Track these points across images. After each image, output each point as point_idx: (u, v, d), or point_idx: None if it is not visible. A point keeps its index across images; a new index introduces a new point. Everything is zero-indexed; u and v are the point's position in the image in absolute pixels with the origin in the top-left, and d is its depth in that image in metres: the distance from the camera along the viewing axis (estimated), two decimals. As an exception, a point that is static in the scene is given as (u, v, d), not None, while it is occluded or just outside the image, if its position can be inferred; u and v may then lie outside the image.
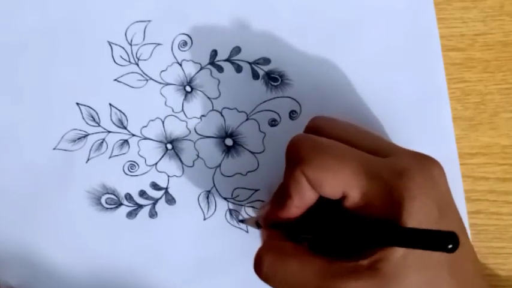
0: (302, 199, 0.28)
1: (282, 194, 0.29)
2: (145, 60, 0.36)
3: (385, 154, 0.28)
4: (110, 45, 0.36)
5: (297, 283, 0.27)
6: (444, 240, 0.23)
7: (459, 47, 0.36)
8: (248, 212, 0.36)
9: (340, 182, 0.27)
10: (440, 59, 0.36)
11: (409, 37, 0.36)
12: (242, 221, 0.36)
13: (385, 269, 0.25)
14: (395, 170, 0.27)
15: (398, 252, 0.25)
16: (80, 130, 0.36)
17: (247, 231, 0.36)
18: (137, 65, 0.36)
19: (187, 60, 0.36)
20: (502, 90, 0.36)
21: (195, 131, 0.36)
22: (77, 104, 0.36)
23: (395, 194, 0.26)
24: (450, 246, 0.23)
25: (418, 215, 0.25)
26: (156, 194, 0.36)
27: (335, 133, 0.30)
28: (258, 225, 0.33)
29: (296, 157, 0.28)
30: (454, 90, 0.36)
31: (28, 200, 0.36)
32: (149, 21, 0.36)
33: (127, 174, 0.36)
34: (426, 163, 0.28)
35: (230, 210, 0.36)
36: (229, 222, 0.36)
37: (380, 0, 0.36)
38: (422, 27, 0.36)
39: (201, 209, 0.36)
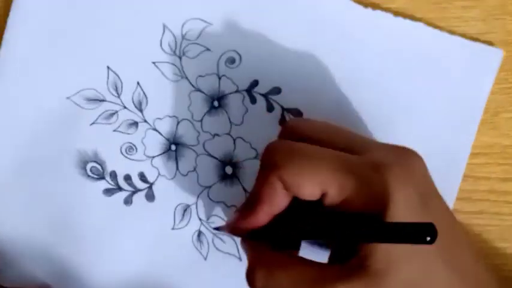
0: (272, 205, 0.28)
1: (251, 201, 0.29)
2: (189, 58, 0.36)
3: (362, 151, 0.28)
4: (164, 28, 0.35)
5: None
6: (421, 232, 0.23)
7: None
8: (216, 243, 0.36)
9: (318, 181, 0.27)
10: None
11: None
12: (217, 229, 0.35)
13: (373, 265, 0.25)
14: (373, 164, 0.27)
15: (382, 247, 0.25)
16: (99, 93, 0.36)
17: (205, 258, 0.36)
18: (180, 59, 0.36)
19: (227, 78, 0.36)
20: (503, 90, 0.36)
21: (203, 146, 0.36)
22: (108, 67, 0.36)
23: (375, 188, 0.26)
24: (428, 238, 0.23)
25: (400, 208, 0.25)
26: (140, 184, 0.36)
27: (309, 134, 0.30)
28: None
29: (272, 162, 0.28)
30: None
31: (27, 139, 0.36)
32: (211, 24, 0.35)
33: (122, 154, 0.36)
34: (404, 155, 0.28)
35: (199, 233, 0.36)
36: (192, 242, 0.36)
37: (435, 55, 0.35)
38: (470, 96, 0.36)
39: (174, 218, 0.36)
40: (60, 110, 0.35)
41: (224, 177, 0.36)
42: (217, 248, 0.36)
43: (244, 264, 0.35)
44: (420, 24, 0.35)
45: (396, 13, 0.36)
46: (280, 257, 0.28)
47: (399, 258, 0.25)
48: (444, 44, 0.35)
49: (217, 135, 0.36)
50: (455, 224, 0.28)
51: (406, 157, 0.28)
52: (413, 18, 0.36)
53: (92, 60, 0.36)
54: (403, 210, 0.25)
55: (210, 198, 0.36)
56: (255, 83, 0.36)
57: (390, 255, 0.25)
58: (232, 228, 0.31)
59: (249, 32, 0.35)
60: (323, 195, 0.27)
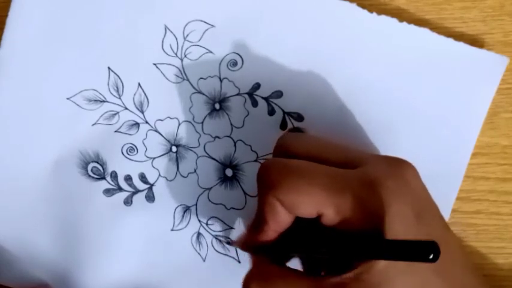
0: (278, 223, 0.28)
1: (258, 219, 0.29)
2: (190, 60, 0.35)
3: (355, 164, 0.28)
4: (166, 29, 0.35)
5: None
6: (424, 250, 0.23)
7: None
8: (215, 245, 0.36)
9: (313, 202, 0.27)
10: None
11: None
12: (230, 243, 0.36)
13: (370, 279, 0.25)
14: (366, 180, 0.27)
15: (381, 264, 0.25)
16: (100, 94, 0.36)
17: (204, 260, 0.36)
18: (181, 60, 0.35)
19: (229, 80, 0.35)
20: (502, 90, 0.36)
21: (204, 148, 0.36)
22: (109, 68, 0.36)
23: (369, 206, 0.26)
24: (431, 256, 0.23)
25: (396, 223, 0.26)
26: (140, 185, 0.36)
27: (303, 150, 0.30)
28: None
29: (267, 182, 0.28)
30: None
31: (28, 139, 0.36)
32: (213, 26, 0.35)
33: (123, 155, 0.36)
34: (397, 167, 0.28)
35: (198, 234, 0.36)
36: (192, 244, 0.36)
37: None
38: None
39: (173, 219, 0.36)
40: (61, 111, 0.36)
41: (224, 180, 0.36)
42: (216, 250, 0.36)
43: (243, 266, 0.35)
44: (425, 30, 0.35)
45: (396, 13, 0.35)
46: (277, 269, 0.29)
47: (396, 273, 0.26)
48: (449, 50, 0.35)
49: (218, 137, 0.36)
50: (450, 237, 0.28)
51: (400, 169, 0.28)
52: (413, 18, 0.36)
53: (92, 60, 0.35)
54: (398, 225, 0.26)
55: (209, 200, 0.36)
56: (257, 86, 0.35)
57: (387, 270, 0.25)
58: (243, 245, 0.32)
59: (251, 35, 0.35)
60: (320, 216, 0.27)
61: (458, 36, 0.36)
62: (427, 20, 0.36)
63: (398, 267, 0.25)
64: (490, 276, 0.37)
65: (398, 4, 0.36)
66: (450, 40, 0.35)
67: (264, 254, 0.30)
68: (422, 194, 0.28)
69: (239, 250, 0.36)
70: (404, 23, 0.35)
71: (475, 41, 0.36)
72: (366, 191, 0.26)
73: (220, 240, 0.36)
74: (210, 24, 0.35)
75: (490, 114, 0.36)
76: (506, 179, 0.36)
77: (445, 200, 0.35)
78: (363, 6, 0.35)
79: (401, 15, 0.36)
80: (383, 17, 0.35)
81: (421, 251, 0.23)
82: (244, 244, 0.32)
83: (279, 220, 0.28)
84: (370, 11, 0.35)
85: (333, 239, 0.27)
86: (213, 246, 0.36)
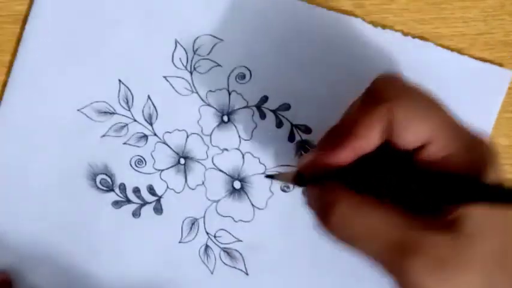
0: (366, 140, 0.26)
1: (338, 134, 0.26)
2: (200, 73, 0.36)
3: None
4: (176, 43, 0.36)
5: (376, 235, 0.25)
6: None
7: (460, 46, 0.36)
8: (223, 257, 0.36)
9: (428, 128, 0.25)
10: None
11: None
12: (270, 176, 0.33)
13: (468, 228, 0.24)
14: (477, 135, 0.26)
15: (480, 211, 0.24)
16: (110, 106, 0.36)
17: (212, 272, 0.36)
18: (191, 74, 0.36)
19: (238, 93, 0.36)
20: None
21: (212, 160, 0.36)
22: (119, 80, 0.36)
23: (477, 154, 0.25)
24: None
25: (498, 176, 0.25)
26: (148, 197, 0.36)
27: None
28: (298, 180, 0.29)
29: (381, 95, 0.26)
30: (456, 90, 0.36)
31: (38, 150, 0.36)
32: (221, 40, 0.36)
33: (131, 167, 0.36)
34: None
35: (206, 247, 0.36)
36: (199, 256, 0.36)
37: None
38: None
39: (181, 232, 0.36)
40: (71, 122, 0.36)
41: (232, 192, 0.36)
42: (224, 263, 0.36)
43: (251, 278, 0.35)
44: (430, 44, 0.35)
45: (396, 13, 0.36)
46: (363, 197, 0.25)
47: (494, 226, 0.24)
48: (453, 64, 0.36)
49: (226, 149, 0.36)
50: None
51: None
52: (413, 18, 0.36)
53: (103, 73, 0.36)
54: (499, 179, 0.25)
55: (217, 213, 0.36)
56: (265, 99, 0.36)
57: (486, 223, 0.24)
58: (305, 166, 0.28)
59: (259, 48, 0.36)
60: (423, 146, 0.25)
61: (460, 36, 0.36)
62: (427, 19, 0.36)
63: (495, 223, 0.24)
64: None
65: (399, 4, 0.36)
66: (455, 54, 0.36)
67: (339, 180, 0.26)
68: None
69: (248, 261, 0.36)
70: (409, 37, 0.36)
71: (475, 41, 0.36)
72: (476, 142, 0.26)
73: (227, 253, 0.36)
74: (219, 39, 0.36)
75: (490, 114, 0.36)
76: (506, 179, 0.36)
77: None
78: (363, 6, 0.36)
79: (401, 15, 0.36)
80: (388, 31, 0.35)
81: None
82: (310, 165, 0.27)
83: (369, 137, 0.25)
84: (371, 11, 0.36)
85: (427, 177, 0.25)
86: (220, 258, 0.36)
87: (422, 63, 0.36)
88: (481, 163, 0.25)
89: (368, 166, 0.26)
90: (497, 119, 0.36)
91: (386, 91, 0.26)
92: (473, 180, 0.24)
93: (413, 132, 0.25)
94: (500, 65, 0.36)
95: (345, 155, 0.26)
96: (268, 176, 0.34)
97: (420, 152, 0.26)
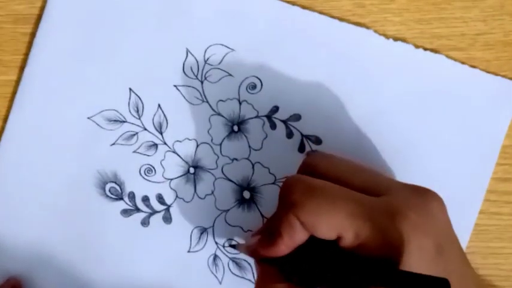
0: (293, 240, 0.28)
1: (272, 232, 0.29)
2: (210, 82, 0.36)
3: (381, 192, 0.28)
4: (187, 53, 0.36)
5: None
6: (437, 286, 0.23)
7: (460, 46, 0.36)
8: (231, 267, 0.36)
9: (334, 225, 0.27)
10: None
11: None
12: (233, 246, 0.35)
13: None
14: (390, 210, 0.27)
15: None
16: (120, 114, 0.36)
17: (220, 282, 0.36)
18: (201, 83, 0.36)
19: (248, 103, 0.36)
20: None
21: (221, 170, 0.36)
22: (130, 89, 0.36)
23: (390, 236, 0.26)
24: None
25: (414, 258, 0.25)
26: (158, 206, 0.36)
27: (329, 171, 0.30)
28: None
29: (290, 200, 0.28)
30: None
31: (47, 156, 0.36)
32: (233, 50, 0.36)
33: (141, 175, 0.36)
34: (423, 198, 0.28)
35: (215, 256, 0.36)
36: (208, 266, 0.36)
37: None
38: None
39: (190, 241, 0.36)
40: (81, 130, 0.36)
41: (242, 202, 0.36)
42: (232, 273, 0.36)
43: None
44: (441, 57, 0.36)
45: (396, 13, 0.36)
46: (287, 287, 0.28)
47: None
48: (464, 77, 0.36)
49: (236, 159, 0.36)
50: (468, 273, 0.28)
51: (425, 201, 0.28)
52: (413, 18, 0.36)
53: (114, 81, 0.36)
54: (416, 260, 0.25)
55: (227, 222, 0.36)
56: (275, 109, 0.36)
57: None
58: (251, 252, 0.31)
59: (270, 59, 0.36)
60: (339, 238, 0.27)
61: (459, 36, 0.36)
62: (427, 19, 0.36)
63: None
64: (490, 276, 0.36)
65: (399, 4, 0.36)
66: (465, 67, 0.36)
67: (272, 265, 0.30)
68: (445, 227, 0.28)
69: (255, 273, 0.36)
70: (420, 49, 0.36)
71: (475, 41, 0.36)
72: (388, 221, 0.26)
73: (236, 263, 0.36)
74: (230, 48, 0.36)
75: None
76: (506, 179, 0.36)
77: (464, 225, 0.35)
78: (363, 6, 0.36)
79: (401, 15, 0.36)
80: (399, 43, 0.36)
81: (434, 286, 0.23)
82: (253, 253, 0.31)
83: (295, 237, 0.28)
84: (371, 10, 0.36)
85: (347, 263, 0.27)
86: (229, 268, 0.36)
87: (433, 75, 0.36)
88: (395, 245, 0.26)
89: (302, 253, 0.29)
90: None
91: (292, 195, 0.28)
92: (385, 265, 0.26)
93: (322, 230, 0.27)
94: (500, 65, 0.36)
95: (280, 251, 0.29)
96: (232, 246, 0.36)
97: (339, 242, 0.27)
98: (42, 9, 0.36)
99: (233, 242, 0.36)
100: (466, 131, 0.36)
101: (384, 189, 0.29)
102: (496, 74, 0.36)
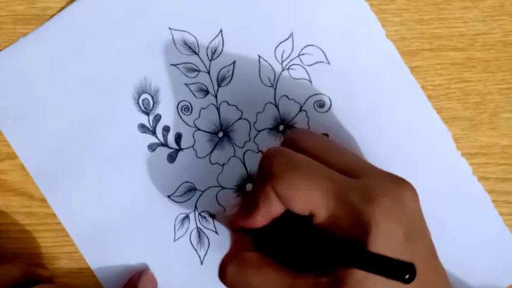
0: (269, 211, 0.29)
1: (250, 202, 0.30)
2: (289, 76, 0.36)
3: (358, 174, 0.29)
4: (259, 60, 0.36)
5: None
6: (401, 270, 0.24)
7: (459, 46, 0.37)
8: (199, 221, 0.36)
9: (309, 201, 0.27)
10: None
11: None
12: (213, 216, 0.36)
13: (345, 287, 0.25)
14: (365, 193, 0.27)
15: (359, 273, 0.26)
16: (198, 45, 0.36)
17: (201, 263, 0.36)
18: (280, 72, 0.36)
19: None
20: (502, 90, 0.37)
21: (243, 155, 0.36)
22: (220, 30, 0.36)
23: (362, 218, 0.26)
24: (406, 277, 0.24)
25: (382, 240, 0.26)
26: (172, 142, 0.36)
27: (311, 148, 0.30)
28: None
29: (268, 171, 0.29)
30: (454, 90, 0.37)
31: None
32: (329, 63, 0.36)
33: (176, 108, 0.36)
34: (397, 186, 0.28)
35: (185, 217, 0.36)
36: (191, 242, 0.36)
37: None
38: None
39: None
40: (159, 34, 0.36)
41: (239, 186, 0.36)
42: (202, 226, 0.36)
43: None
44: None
45: (396, 13, 0.36)
46: (257, 256, 0.29)
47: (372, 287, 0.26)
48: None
49: (262, 152, 0.36)
50: (435, 264, 0.29)
51: (400, 189, 0.28)
52: (413, 18, 0.36)
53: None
54: (383, 244, 0.26)
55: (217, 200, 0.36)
56: None
57: (365, 282, 0.25)
58: (230, 224, 0.33)
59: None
60: (312, 215, 0.28)
61: (459, 36, 0.36)
62: (426, 19, 0.36)
63: (377, 283, 0.26)
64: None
65: (399, 4, 0.36)
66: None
67: (247, 233, 0.31)
68: (416, 217, 0.28)
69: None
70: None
71: (475, 41, 0.36)
72: (361, 204, 0.27)
73: (205, 217, 0.36)
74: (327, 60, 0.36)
75: (490, 114, 0.37)
76: (506, 179, 0.37)
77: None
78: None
79: (401, 15, 0.36)
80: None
81: (398, 269, 0.24)
82: (230, 223, 0.32)
83: (271, 209, 0.29)
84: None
85: (318, 240, 0.27)
86: (199, 222, 0.36)
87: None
88: (363, 228, 0.26)
89: (277, 226, 0.30)
90: (497, 119, 0.37)
91: (271, 167, 0.29)
92: (354, 246, 0.26)
93: (296, 205, 0.28)
94: (499, 66, 0.36)
95: (258, 222, 0.29)
96: (212, 216, 0.36)
97: (313, 219, 0.28)
98: (42, 9, 0.36)
99: (213, 214, 0.36)
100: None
101: (362, 173, 0.29)
102: (496, 74, 0.36)
